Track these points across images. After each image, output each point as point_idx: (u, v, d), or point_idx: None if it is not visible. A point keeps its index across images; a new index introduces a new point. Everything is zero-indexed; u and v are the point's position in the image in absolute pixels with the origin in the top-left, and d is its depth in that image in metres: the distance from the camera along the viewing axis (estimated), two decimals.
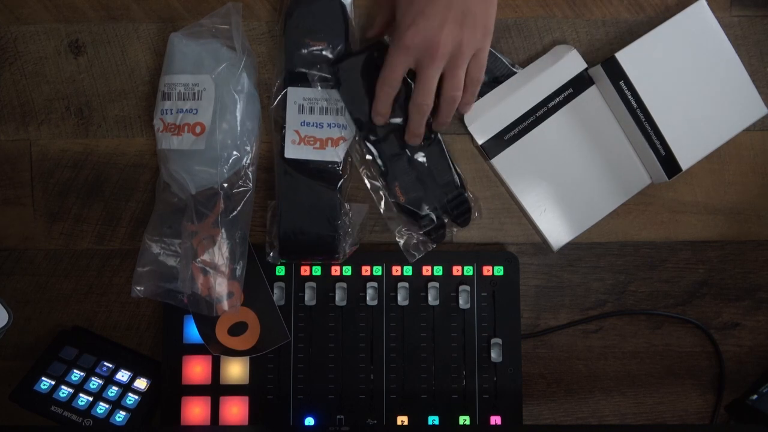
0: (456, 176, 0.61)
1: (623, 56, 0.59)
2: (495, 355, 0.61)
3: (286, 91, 0.60)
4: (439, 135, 0.61)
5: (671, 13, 0.61)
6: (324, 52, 0.60)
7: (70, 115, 0.63)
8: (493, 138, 0.62)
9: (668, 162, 0.60)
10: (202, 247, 0.58)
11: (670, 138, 0.60)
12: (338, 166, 0.60)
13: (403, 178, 0.60)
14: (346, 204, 0.61)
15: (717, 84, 0.60)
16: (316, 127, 0.60)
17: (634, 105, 0.59)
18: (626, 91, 0.59)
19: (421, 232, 0.61)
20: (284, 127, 0.60)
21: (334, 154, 0.60)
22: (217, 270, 0.58)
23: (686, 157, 0.60)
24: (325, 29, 0.60)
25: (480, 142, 0.62)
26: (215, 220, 0.58)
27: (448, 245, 0.64)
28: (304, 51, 0.60)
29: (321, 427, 0.60)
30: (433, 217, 0.60)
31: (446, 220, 0.61)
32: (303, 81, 0.60)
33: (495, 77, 0.62)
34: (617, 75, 0.59)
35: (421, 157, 0.61)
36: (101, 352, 0.60)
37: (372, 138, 0.60)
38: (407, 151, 0.60)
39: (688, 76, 0.60)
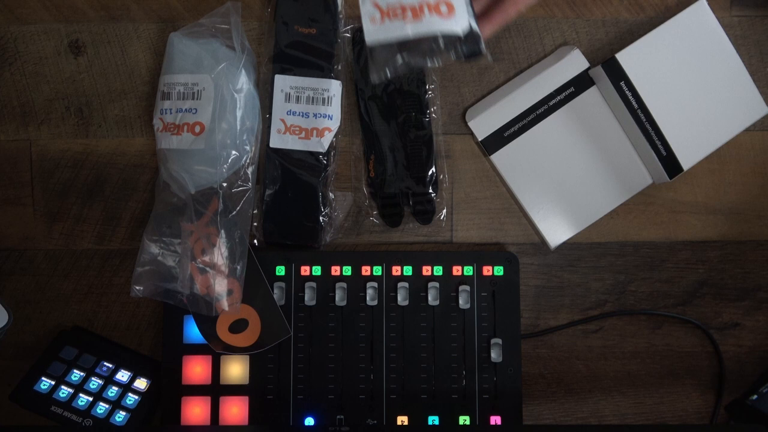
0: (432, 175, 0.61)
1: (624, 57, 0.59)
2: (495, 355, 0.61)
3: (273, 79, 0.60)
4: (432, 131, 0.61)
5: (671, 13, 0.61)
6: (313, 39, 0.60)
7: (70, 115, 0.63)
8: (493, 134, 0.62)
9: (669, 162, 0.60)
10: (200, 246, 0.58)
11: (671, 138, 0.59)
12: (323, 157, 0.61)
13: (380, 155, 0.61)
14: (330, 193, 0.61)
15: (717, 84, 0.60)
16: (302, 116, 0.61)
17: (635, 105, 0.59)
18: (627, 92, 0.59)
19: (374, 212, 0.62)
20: (269, 116, 0.61)
21: (319, 145, 0.61)
22: (216, 269, 0.58)
23: (687, 156, 0.60)
24: (315, 16, 0.60)
25: (480, 138, 0.62)
26: (211, 218, 0.58)
27: (448, 245, 0.64)
28: (293, 37, 0.60)
29: (321, 427, 0.60)
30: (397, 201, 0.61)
31: (406, 211, 0.62)
32: (291, 68, 0.61)
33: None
34: (618, 75, 0.59)
35: (407, 144, 0.61)
36: (101, 352, 0.60)
37: (370, 106, 0.61)
38: (398, 134, 0.61)
39: (688, 76, 0.60)
